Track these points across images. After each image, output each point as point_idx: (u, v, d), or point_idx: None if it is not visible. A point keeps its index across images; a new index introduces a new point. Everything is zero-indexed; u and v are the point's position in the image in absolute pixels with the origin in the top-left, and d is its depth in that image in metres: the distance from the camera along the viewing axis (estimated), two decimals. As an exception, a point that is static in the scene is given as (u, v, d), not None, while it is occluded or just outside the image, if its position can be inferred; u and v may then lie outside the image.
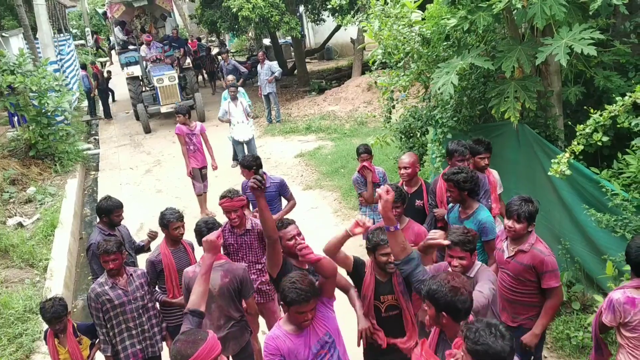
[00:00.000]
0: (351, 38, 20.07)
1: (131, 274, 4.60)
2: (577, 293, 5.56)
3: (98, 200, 5.58)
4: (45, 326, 4.76)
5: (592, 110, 4.76)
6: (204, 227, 4.52)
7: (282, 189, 6.28)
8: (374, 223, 6.54)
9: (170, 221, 4.87)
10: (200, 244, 4.27)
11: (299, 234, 4.09)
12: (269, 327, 5.07)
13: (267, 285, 5.15)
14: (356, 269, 3.96)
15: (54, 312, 4.40)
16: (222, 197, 5.04)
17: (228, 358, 4.41)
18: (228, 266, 4.43)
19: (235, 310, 4.46)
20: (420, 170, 6.18)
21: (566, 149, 4.86)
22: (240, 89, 11.85)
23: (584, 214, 5.30)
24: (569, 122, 5.75)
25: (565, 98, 5.91)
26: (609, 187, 4.92)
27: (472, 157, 5.38)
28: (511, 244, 4.15)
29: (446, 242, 3.73)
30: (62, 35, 22.95)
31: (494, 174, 5.58)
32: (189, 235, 5.00)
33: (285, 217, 4.70)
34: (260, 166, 6.21)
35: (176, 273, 4.81)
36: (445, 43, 6.37)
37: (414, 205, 5.57)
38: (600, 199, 4.99)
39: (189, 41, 21.45)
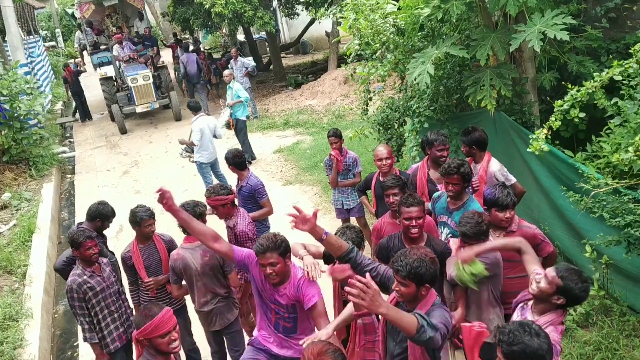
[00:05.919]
0: (326, 31, 20.03)
1: (99, 263, 4.68)
2: (558, 277, 5.62)
3: (93, 205, 5.43)
4: (26, 333, 4.68)
5: (569, 86, 4.72)
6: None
7: (256, 193, 5.99)
8: (342, 205, 6.79)
9: (143, 219, 4.89)
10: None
11: (419, 217, 4.05)
12: None
13: None
14: None
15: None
16: (223, 194, 5.10)
17: (216, 332, 4.77)
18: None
19: (220, 287, 4.62)
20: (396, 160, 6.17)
21: (544, 125, 4.81)
22: (239, 88, 11.33)
23: (562, 198, 5.34)
24: (545, 108, 5.79)
25: (540, 84, 5.96)
26: (584, 170, 4.97)
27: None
28: (496, 230, 4.15)
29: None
30: (31, 37, 22.51)
31: (492, 167, 5.23)
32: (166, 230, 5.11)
33: (407, 196, 4.20)
34: (242, 162, 6.11)
35: (144, 270, 4.90)
36: (420, 33, 6.37)
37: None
38: (577, 181, 5.04)
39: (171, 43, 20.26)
